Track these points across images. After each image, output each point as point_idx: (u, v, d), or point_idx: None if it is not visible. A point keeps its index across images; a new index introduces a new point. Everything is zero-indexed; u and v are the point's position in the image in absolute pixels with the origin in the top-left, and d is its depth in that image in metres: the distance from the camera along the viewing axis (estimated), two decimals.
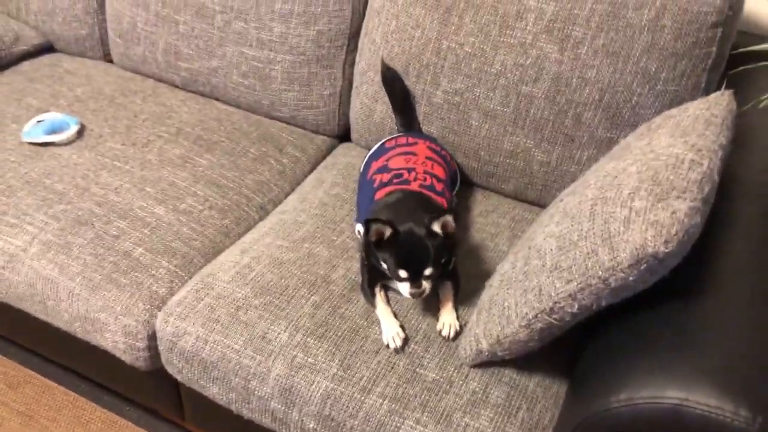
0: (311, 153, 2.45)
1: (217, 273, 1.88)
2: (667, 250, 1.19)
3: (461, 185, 2.19)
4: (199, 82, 2.59)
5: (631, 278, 1.25)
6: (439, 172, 1.98)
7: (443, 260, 1.66)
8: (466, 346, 1.61)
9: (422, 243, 1.62)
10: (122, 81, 2.70)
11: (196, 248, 2.00)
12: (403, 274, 1.62)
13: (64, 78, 2.70)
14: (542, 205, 2.16)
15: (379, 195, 1.88)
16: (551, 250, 1.40)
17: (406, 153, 2.01)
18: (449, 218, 1.62)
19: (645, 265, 1.22)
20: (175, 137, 2.39)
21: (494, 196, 2.22)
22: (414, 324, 1.74)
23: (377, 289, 1.78)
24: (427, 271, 1.61)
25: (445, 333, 1.70)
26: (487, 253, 1.99)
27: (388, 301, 1.79)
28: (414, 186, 1.87)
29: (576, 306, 1.34)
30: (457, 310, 1.77)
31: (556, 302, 1.36)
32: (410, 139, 2.08)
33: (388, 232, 1.63)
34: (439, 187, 1.92)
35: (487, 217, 2.13)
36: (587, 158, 1.99)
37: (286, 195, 2.29)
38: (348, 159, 2.36)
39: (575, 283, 1.32)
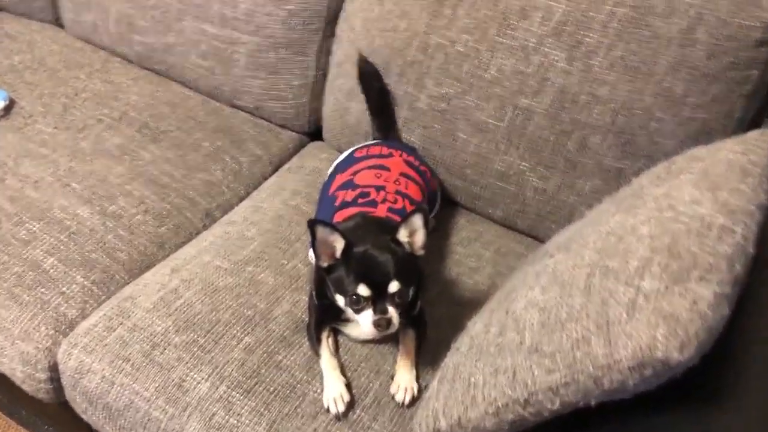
0: (274, 152, 2.15)
1: (138, 297, 1.59)
2: (681, 358, 0.91)
3: (443, 204, 1.89)
4: (154, 59, 2.29)
5: (630, 382, 0.97)
6: (413, 191, 1.69)
7: (411, 282, 1.37)
8: (422, 421, 1.32)
9: (385, 253, 1.35)
10: (69, 51, 2.40)
11: (120, 261, 1.72)
12: (363, 291, 1.33)
13: (2, 42, 2.39)
14: (534, 237, 1.88)
15: (338, 217, 1.59)
16: (532, 324, 1.12)
17: (378, 167, 1.72)
18: (417, 220, 1.35)
19: (650, 370, 0.94)
20: (118, 122, 2.09)
21: (479, 221, 1.93)
22: (364, 382, 1.46)
23: (324, 335, 1.50)
24: (393, 287, 1.32)
25: (399, 398, 1.42)
26: (463, 293, 1.70)
27: (336, 350, 1.51)
28: (381, 210, 1.58)
29: (557, 402, 1.06)
30: (417, 368, 1.48)
31: (532, 393, 1.08)
32: (384, 150, 1.78)
33: (339, 244, 1.35)
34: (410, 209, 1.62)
35: (468, 247, 1.84)
36: (590, 190, 1.69)
37: (240, 200, 2.00)
38: (316, 163, 2.07)
39: (558, 375, 1.04)
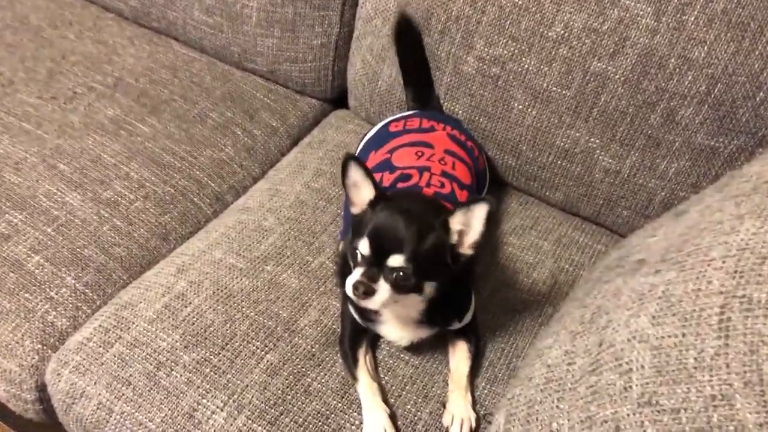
0: (292, 122, 1.89)
1: (138, 304, 1.36)
2: None
3: (490, 184, 1.63)
4: (153, 16, 2.02)
5: None
6: (461, 173, 1.44)
7: (426, 273, 1.11)
8: None
9: (410, 223, 1.10)
10: (56, 7, 2.13)
11: (117, 258, 1.49)
12: (363, 247, 1.10)
13: None
14: (599, 224, 1.62)
15: None
16: (642, 367, 0.88)
17: (418, 143, 1.46)
18: (481, 211, 1.09)
19: None
20: (112, 91, 1.83)
21: (534, 205, 1.68)
22: (411, 410, 1.24)
23: (362, 352, 1.28)
24: (394, 261, 1.08)
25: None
26: (520, 295, 1.46)
27: (375, 369, 1.28)
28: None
29: None
30: (473, 391, 1.26)
31: None
32: (425, 122, 1.52)
33: (368, 191, 1.15)
34: (462, 196, 1.38)
35: (523, 237, 1.59)
36: (675, 172, 1.43)
37: (254, 181, 1.75)
38: (341, 136, 1.81)
39: None
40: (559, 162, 1.56)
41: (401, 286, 1.09)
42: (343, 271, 1.28)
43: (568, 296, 1.34)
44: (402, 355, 1.32)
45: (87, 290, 1.44)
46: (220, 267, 1.43)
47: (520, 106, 1.54)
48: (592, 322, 1.05)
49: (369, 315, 1.25)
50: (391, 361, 1.31)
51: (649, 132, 1.42)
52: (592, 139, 1.49)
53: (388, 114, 1.76)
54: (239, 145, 1.79)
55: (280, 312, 1.36)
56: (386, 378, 1.28)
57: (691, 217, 1.12)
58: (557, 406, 1.00)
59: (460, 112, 1.63)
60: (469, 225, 1.11)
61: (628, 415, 0.87)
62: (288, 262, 1.46)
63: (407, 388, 1.27)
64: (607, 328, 0.99)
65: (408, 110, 1.66)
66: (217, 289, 1.39)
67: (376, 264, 1.09)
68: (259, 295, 1.38)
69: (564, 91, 1.47)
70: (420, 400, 1.25)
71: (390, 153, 1.46)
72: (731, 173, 1.16)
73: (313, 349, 1.31)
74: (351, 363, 1.27)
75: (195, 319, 1.33)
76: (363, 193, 1.17)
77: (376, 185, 1.16)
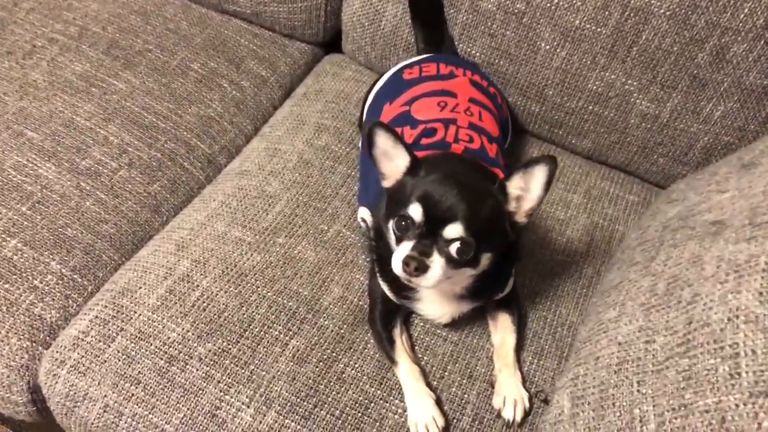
0: (283, 70, 1.73)
1: (138, 289, 1.22)
2: None
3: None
4: None
5: None
6: (489, 123, 1.32)
7: (485, 245, 1.00)
8: None
9: (465, 187, 0.99)
10: None
11: (106, 236, 1.34)
12: (415, 213, 0.98)
13: None
14: (629, 172, 1.52)
15: None
16: (753, 352, 0.79)
17: (440, 92, 1.33)
18: (541, 173, 1.00)
19: None
20: (77, 43, 1.63)
21: (558, 154, 1.58)
22: (457, 393, 1.15)
23: (396, 332, 1.17)
24: (452, 231, 0.97)
25: (507, 414, 1.12)
26: (556, 257, 1.37)
27: (412, 349, 1.17)
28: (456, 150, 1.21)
29: None
30: (521, 367, 1.16)
31: None
32: (443, 67, 1.38)
33: (402, 159, 1.03)
34: (491, 150, 1.25)
35: (551, 190, 1.46)
36: (721, 115, 1.34)
37: (247, 139, 1.60)
38: (339, 84, 1.65)
39: None
40: (590, 107, 1.44)
41: (458, 260, 0.97)
42: (376, 244, 1.15)
43: (617, 257, 1.25)
44: (439, 332, 1.22)
45: (75, 275, 1.29)
46: (226, 242, 1.29)
47: (548, 47, 1.41)
48: (670, 294, 0.96)
49: (405, 291, 1.14)
50: (427, 339, 1.21)
51: (695, 72, 1.31)
52: (629, 82, 1.37)
53: (393, 58, 1.61)
54: (227, 100, 1.62)
55: (300, 290, 1.23)
56: (425, 358, 1.18)
57: (766, 170, 1.02)
58: (638, 390, 0.92)
59: (478, 54, 1.49)
60: (527, 189, 1.00)
61: (737, 405, 0.79)
62: (301, 232, 1.32)
63: (449, 368, 1.17)
64: (695, 303, 0.90)
65: (418, 54, 1.51)
66: (226, 268, 1.25)
67: (428, 236, 0.97)
68: (275, 272, 1.25)
69: (599, 29, 1.34)
70: (465, 381, 1.16)
71: (408, 105, 1.32)
72: None
73: (342, 331, 1.19)
74: (387, 345, 1.16)
75: (206, 304, 1.20)
76: (396, 162, 1.05)
77: (410, 151, 1.04)
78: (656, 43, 1.31)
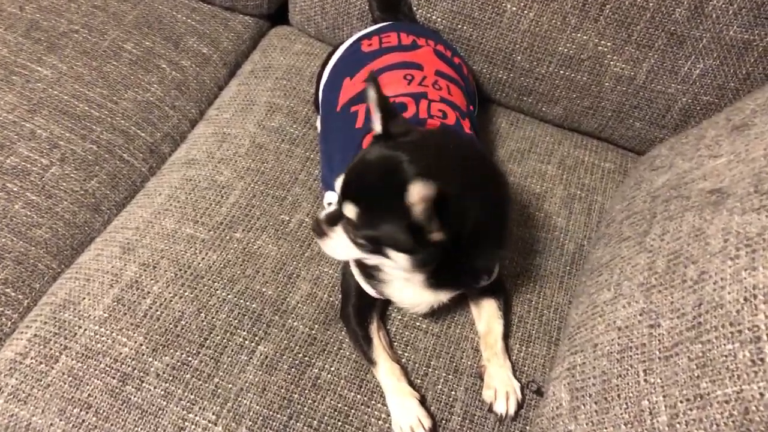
0: (226, 47, 1.60)
1: (80, 300, 1.10)
2: None
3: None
4: None
5: None
6: (458, 98, 1.22)
7: (390, 239, 0.90)
8: None
9: (374, 172, 0.92)
10: None
11: (40, 242, 1.21)
12: (338, 184, 0.96)
13: None
14: (603, 139, 1.45)
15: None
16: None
17: (404, 64, 1.23)
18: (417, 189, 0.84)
19: None
20: None
21: (526, 123, 1.49)
22: (443, 390, 1.07)
23: (373, 329, 1.08)
24: (347, 210, 0.91)
25: (499, 408, 1.04)
26: (535, 232, 1.29)
27: (390, 346, 1.09)
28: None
29: None
30: (510, 356, 1.09)
31: None
32: (404, 37, 1.28)
33: (375, 113, 0.97)
34: (466, 126, 1.16)
35: (523, 163, 1.41)
36: (700, 74, 1.27)
37: (192, 124, 1.48)
38: (289, 59, 1.53)
39: None
40: (561, 71, 1.36)
41: (357, 243, 0.93)
42: None
43: (602, 231, 1.18)
44: (419, 324, 1.13)
45: (8, 289, 1.16)
46: (177, 240, 1.18)
47: (514, 8, 1.32)
48: (672, 272, 0.89)
49: (373, 274, 1.04)
50: (407, 334, 1.12)
51: (672, 29, 1.24)
52: (602, 42, 1.30)
53: (346, 29, 1.50)
54: (167, 82, 1.48)
55: (264, 290, 1.13)
56: (406, 355, 1.10)
57: (762, 132, 0.96)
58: (645, 380, 0.85)
59: (439, 20, 1.39)
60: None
61: (762, 394, 0.72)
62: (260, 225, 1.21)
63: (432, 363, 1.09)
64: (703, 282, 0.83)
65: (374, 22, 1.41)
66: (179, 270, 1.13)
67: (341, 198, 0.94)
68: (234, 272, 1.14)
69: None
70: (451, 376, 1.08)
71: None
72: None
73: (313, 332, 1.10)
74: (364, 344, 1.07)
75: (159, 312, 1.08)
76: (374, 123, 0.98)
77: (386, 119, 0.96)
78: (630, 0, 1.23)
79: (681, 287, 0.86)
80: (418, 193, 0.83)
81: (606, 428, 0.87)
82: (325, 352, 1.08)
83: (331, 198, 1.15)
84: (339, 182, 0.95)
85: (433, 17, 1.39)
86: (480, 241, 0.95)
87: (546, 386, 1.04)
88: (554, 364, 1.05)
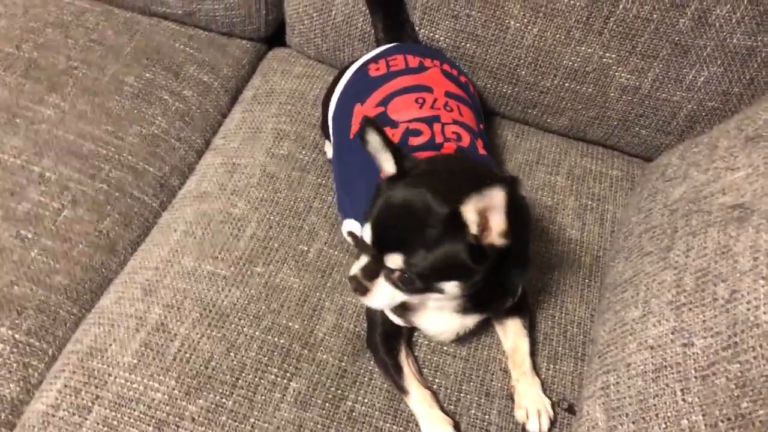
0: (226, 73, 1.60)
1: (107, 347, 1.10)
2: None
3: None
4: None
5: None
6: (468, 117, 1.23)
7: (444, 271, 0.92)
8: None
9: (409, 212, 0.91)
10: None
11: (59, 289, 1.21)
12: (366, 236, 0.94)
13: None
14: (609, 147, 1.47)
15: None
16: None
17: (414, 88, 1.23)
18: (496, 196, 0.84)
19: None
20: None
21: (531, 135, 1.51)
22: (476, 414, 1.08)
23: (402, 357, 1.08)
24: (392, 261, 0.91)
25: (533, 428, 1.06)
26: (551, 246, 1.30)
27: (419, 372, 1.10)
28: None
29: None
30: (539, 374, 1.10)
31: None
32: (411, 59, 1.29)
33: (388, 162, 0.95)
34: (479, 145, 1.17)
35: (532, 175, 1.43)
36: (705, 81, 1.29)
37: (198, 155, 1.47)
38: (291, 83, 1.53)
39: None
40: (566, 84, 1.37)
41: (400, 287, 0.93)
42: None
43: (620, 245, 1.19)
44: (445, 348, 1.15)
45: (31, 339, 1.15)
46: (198, 278, 1.18)
47: (518, 24, 1.32)
48: (702, 290, 0.90)
49: (402, 304, 1.05)
50: (435, 359, 1.13)
51: (677, 39, 1.25)
52: (607, 55, 1.31)
53: (347, 50, 1.50)
54: (170, 113, 1.48)
55: (291, 324, 1.13)
56: (436, 380, 1.11)
57: None
58: (683, 399, 0.86)
59: (442, 39, 1.39)
60: (489, 211, 0.88)
61: None
62: (279, 257, 1.22)
63: (463, 388, 1.10)
64: (735, 302, 0.85)
65: (377, 44, 1.41)
66: (204, 310, 1.14)
67: (378, 258, 0.92)
68: (259, 307, 1.15)
69: (573, 1, 1.27)
70: (483, 400, 1.09)
71: (383, 105, 1.22)
72: None
73: (343, 364, 1.10)
74: (394, 373, 1.08)
75: (188, 354, 1.09)
76: (384, 164, 0.97)
77: (398, 158, 0.95)
78: (634, 12, 1.24)
79: (712, 306, 0.87)
80: (475, 204, 0.85)
81: None
82: (357, 383, 1.09)
83: (351, 226, 1.16)
84: (367, 234, 0.94)
85: (436, 36, 1.39)
86: (507, 260, 0.97)
87: (578, 404, 1.05)
88: (584, 382, 1.06)
